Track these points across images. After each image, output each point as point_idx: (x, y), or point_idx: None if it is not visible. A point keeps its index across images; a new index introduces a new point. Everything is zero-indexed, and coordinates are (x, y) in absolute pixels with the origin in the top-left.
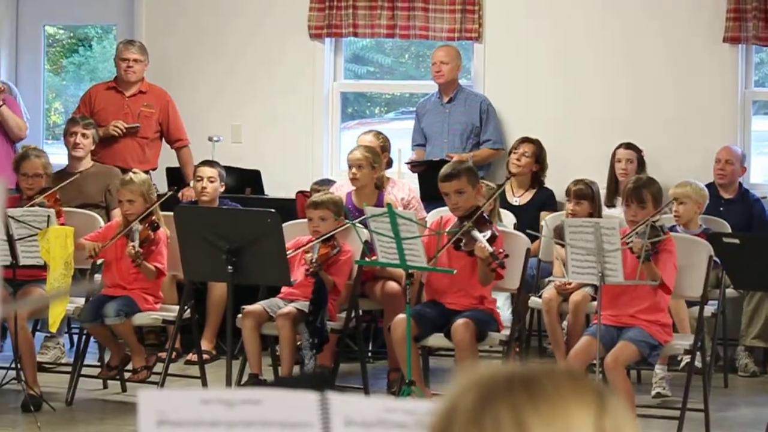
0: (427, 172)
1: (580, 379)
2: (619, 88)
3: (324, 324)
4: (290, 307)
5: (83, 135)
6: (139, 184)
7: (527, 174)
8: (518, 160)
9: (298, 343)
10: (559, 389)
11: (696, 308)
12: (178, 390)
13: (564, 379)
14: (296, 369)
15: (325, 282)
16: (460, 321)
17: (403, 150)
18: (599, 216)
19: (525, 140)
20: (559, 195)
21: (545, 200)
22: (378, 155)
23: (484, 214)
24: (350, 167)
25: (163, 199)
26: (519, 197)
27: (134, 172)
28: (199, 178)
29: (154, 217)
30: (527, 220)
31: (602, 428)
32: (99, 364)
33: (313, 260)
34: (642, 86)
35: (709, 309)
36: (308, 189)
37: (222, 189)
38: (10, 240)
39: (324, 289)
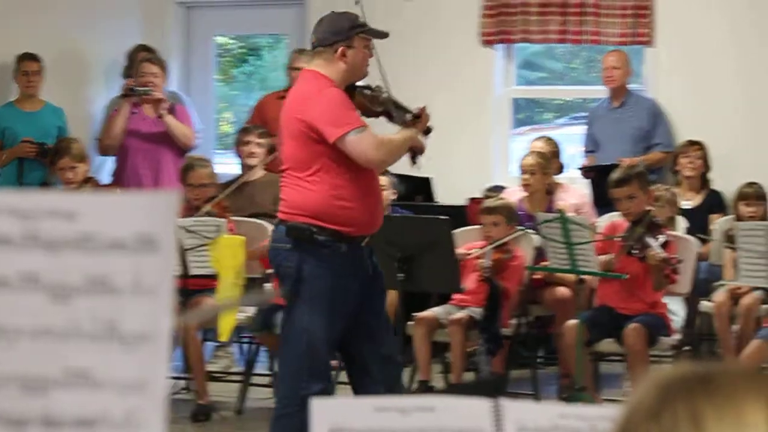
0: (598, 177)
1: (755, 373)
2: None
3: (498, 329)
4: (462, 313)
5: (257, 144)
6: None
7: (698, 177)
8: (691, 163)
9: (468, 349)
10: (735, 382)
11: None
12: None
13: (739, 374)
14: (470, 375)
15: (498, 288)
16: (631, 326)
17: (574, 155)
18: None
19: (692, 143)
20: (727, 198)
21: (715, 203)
22: (549, 161)
23: (656, 219)
24: (523, 173)
25: None
26: (689, 200)
27: None
28: None
29: None
30: (697, 223)
31: None
32: (269, 372)
33: (487, 266)
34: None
35: None
36: (479, 195)
37: (394, 197)
38: (181, 250)
39: (498, 295)
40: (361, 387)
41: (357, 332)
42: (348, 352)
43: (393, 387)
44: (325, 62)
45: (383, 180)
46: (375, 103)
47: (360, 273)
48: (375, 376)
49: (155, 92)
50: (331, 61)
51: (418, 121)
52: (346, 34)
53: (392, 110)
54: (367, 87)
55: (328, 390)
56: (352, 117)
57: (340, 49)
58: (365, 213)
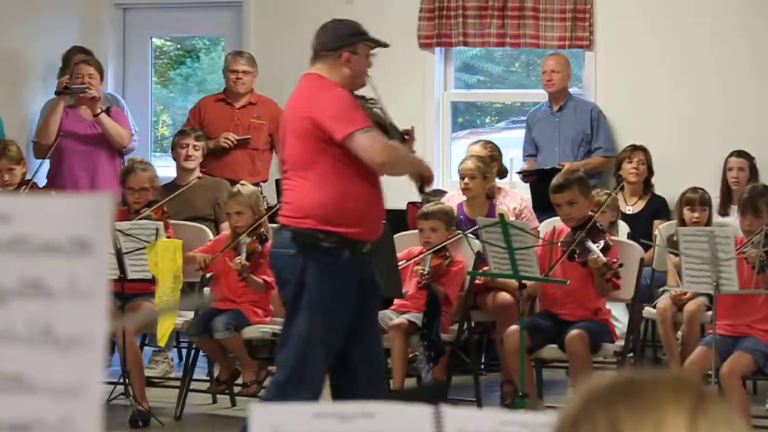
0: (538, 181)
1: (682, 381)
2: (731, 95)
3: (439, 336)
4: (402, 319)
5: (194, 147)
6: (248, 196)
7: (641, 182)
8: (635, 168)
9: (409, 355)
10: (656, 390)
11: None
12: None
13: (664, 381)
14: (411, 382)
15: (438, 294)
16: (574, 332)
17: (514, 159)
18: (710, 224)
19: (635, 148)
20: (669, 203)
21: (658, 208)
22: (489, 165)
23: (597, 224)
24: (462, 177)
25: (272, 211)
26: (632, 206)
27: (242, 184)
28: None
29: (262, 230)
30: (640, 228)
31: (696, 428)
32: (208, 378)
33: (425, 272)
34: (755, 92)
35: None
36: (419, 200)
37: None
38: (119, 254)
39: (437, 301)
40: (346, 392)
41: (350, 338)
42: (339, 358)
43: (377, 392)
44: (328, 67)
45: None
46: (368, 115)
47: (360, 282)
48: (361, 381)
49: (91, 90)
50: (335, 66)
51: (407, 141)
52: (351, 39)
53: (385, 125)
54: (362, 97)
55: (316, 399)
56: (360, 116)
57: (345, 54)
58: (370, 215)
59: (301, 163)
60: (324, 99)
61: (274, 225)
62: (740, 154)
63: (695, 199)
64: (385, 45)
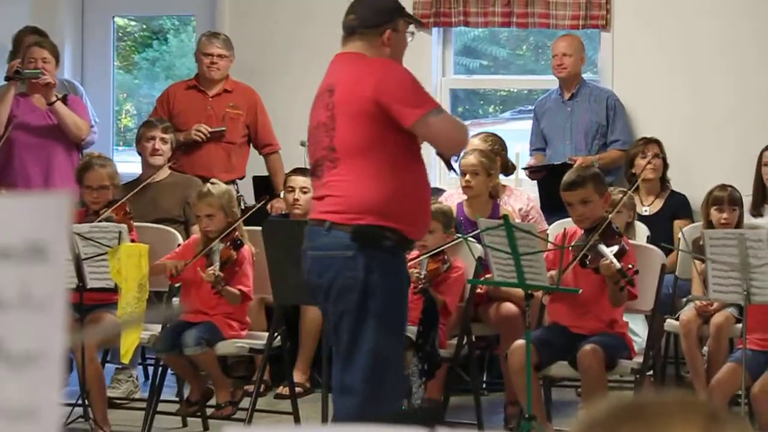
0: (547, 178)
1: (692, 403)
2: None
3: (435, 347)
4: None
5: (162, 140)
6: (218, 197)
7: (657, 179)
8: (650, 163)
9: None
10: (667, 410)
11: None
12: (268, 428)
13: (674, 402)
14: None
15: (435, 301)
16: (587, 347)
17: (521, 154)
18: (741, 226)
19: (648, 141)
20: (691, 202)
21: (678, 207)
22: (494, 161)
23: (614, 226)
24: (463, 174)
25: (248, 214)
26: (649, 205)
27: (213, 183)
28: (290, 189)
29: (237, 234)
30: (660, 231)
31: None
32: (177, 399)
33: (422, 275)
34: None
35: None
36: None
37: None
38: (77, 260)
39: (434, 309)
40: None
41: None
42: None
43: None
44: (369, 45)
45: (302, 181)
46: None
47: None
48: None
49: (45, 76)
50: (375, 44)
51: None
52: (392, 16)
53: None
54: None
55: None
56: (429, 96)
57: (387, 32)
58: (425, 212)
59: (358, 150)
60: (390, 79)
61: (253, 228)
62: None
63: (724, 197)
64: (420, 23)
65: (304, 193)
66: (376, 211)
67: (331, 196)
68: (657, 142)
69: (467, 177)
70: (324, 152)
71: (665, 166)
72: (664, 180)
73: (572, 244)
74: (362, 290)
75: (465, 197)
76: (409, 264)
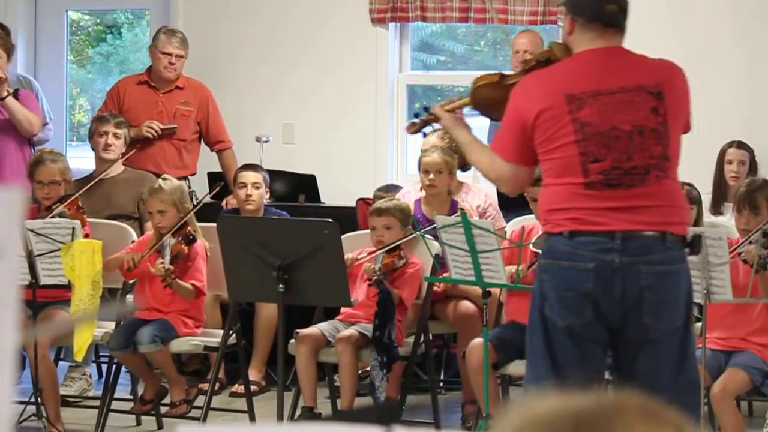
0: None
1: (655, 414)
2: (727, 80)
3: (393, 339)
4: (351, 330)
5: (115, 135)
6: (170, 192)
7: None
8: None
9: (360, 371)
10: (631, 429)
11: None
12: (222, 426)
13: (636, 417)
14: (362, 401)
15: (392, 294)
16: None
17: None
18: (701, 225)
19: None
20: None
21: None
22: (454, 158)
23: None
24: (427, 172)
25: (197, 207)
26: None
27: (164, 179)
28: (242, 185)
29: (189, 229)
30: None
31: None
32: (131, 397)
33: (377, 268)
34: (754, 80)
35: None
36: (371, 196)
37: (267, 196)
38: (30, 256)
39: (390, 301)
40: None
41: None
42: None
43: None
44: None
45: (253, 177)
46: None
47: None
48: None
49: None
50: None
51: None
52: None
53: None
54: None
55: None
56: None
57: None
58: None
59: (677, 159)
60: (687, 89)
61: (208, 224)
62: (740, 145)
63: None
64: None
65: (257, 188)
66: (688, 222)
67: (675, 207)
68: None
69: (431, 176)
70: (653, 161)
71: None
72: None
73: (532, 241)
74: (687, 302)
75: (422, 194)
76: (363, 261)
